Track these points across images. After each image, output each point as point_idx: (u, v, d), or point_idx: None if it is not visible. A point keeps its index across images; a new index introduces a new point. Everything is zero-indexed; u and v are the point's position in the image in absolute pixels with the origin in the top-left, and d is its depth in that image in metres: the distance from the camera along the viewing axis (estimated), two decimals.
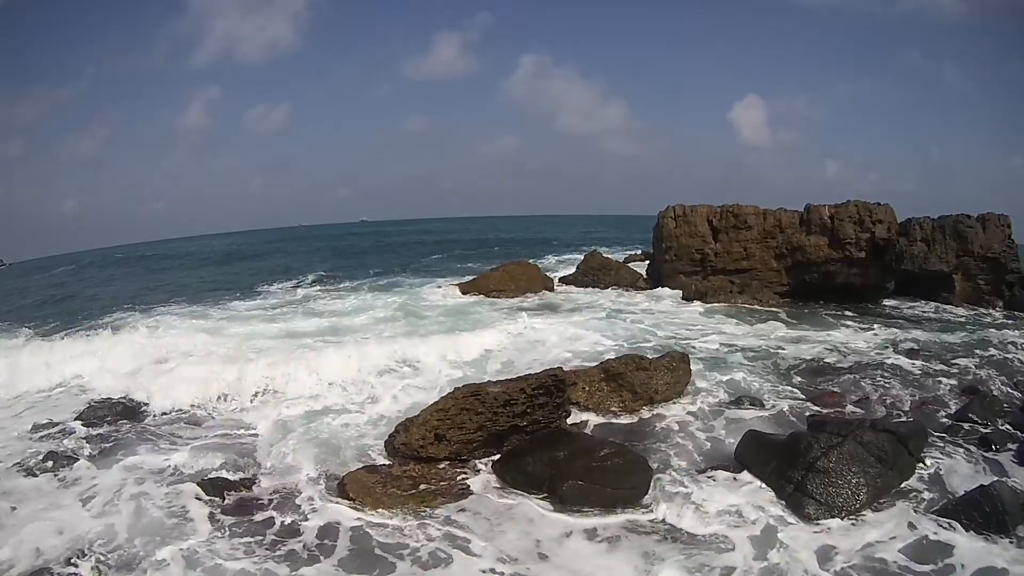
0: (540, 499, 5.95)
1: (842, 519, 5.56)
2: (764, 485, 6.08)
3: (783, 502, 5.80)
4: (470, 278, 18.71)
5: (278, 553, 5.24)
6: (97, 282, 29.46)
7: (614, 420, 7.81)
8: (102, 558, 5.13)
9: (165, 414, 8.68)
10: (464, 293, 17.26)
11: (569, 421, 7.32)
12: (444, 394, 7.23)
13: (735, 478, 6.23)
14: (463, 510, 5.87)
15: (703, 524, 5.51)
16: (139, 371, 10.15)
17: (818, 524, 5.50)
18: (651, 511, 5.75)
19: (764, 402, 8.29)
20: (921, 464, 6.32)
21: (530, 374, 7.31)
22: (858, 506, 5.67)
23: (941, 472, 6.31)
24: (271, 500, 6.13)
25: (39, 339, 13.23)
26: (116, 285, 27.09)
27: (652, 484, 6.07)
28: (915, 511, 5.65)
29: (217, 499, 6.07)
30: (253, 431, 7.90)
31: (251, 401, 8.99)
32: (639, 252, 22.79)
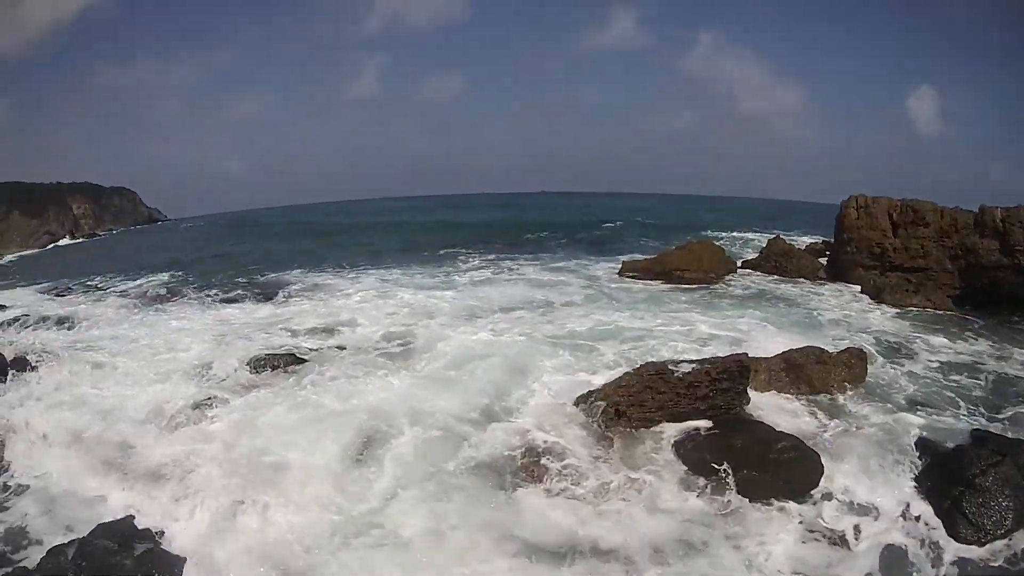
0: (714, 483, 6.28)
1: (989, 542, 5.65)
2: (925, 496, 6.16)
3: (940, 517, 5.89)
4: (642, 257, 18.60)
5: None
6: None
7: (789, 411, 7.84)
8: None
9: None
10: (642, 272, 17.10)
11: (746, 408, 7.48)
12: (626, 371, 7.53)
13: (899, 486, 6.31)
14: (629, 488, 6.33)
15: (857, 529, 5.78)
16: None
17: (967, 545, 5.64)
18: (816, 507, 6.02)
19: (939, 409, 7.99)
20: None
21: (715, 357, 7.55)
22: (1003, 531, 5.70)
23: None
24: None
25: None
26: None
27: (820, 481, 6.24)
28: None
29: None
30: None
31: None
32: (819, 241, 21.67)
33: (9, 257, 56.47)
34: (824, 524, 5.88)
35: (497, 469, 6.64)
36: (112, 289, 17.96)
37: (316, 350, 10.12)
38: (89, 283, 19.31)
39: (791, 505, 6.03)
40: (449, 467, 6.67)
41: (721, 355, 7.78)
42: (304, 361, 9.52)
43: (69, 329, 12.38)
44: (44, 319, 13.42)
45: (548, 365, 9.04)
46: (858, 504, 6.08)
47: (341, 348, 10.21)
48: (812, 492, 6.13)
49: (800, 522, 5.90)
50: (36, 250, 63.50)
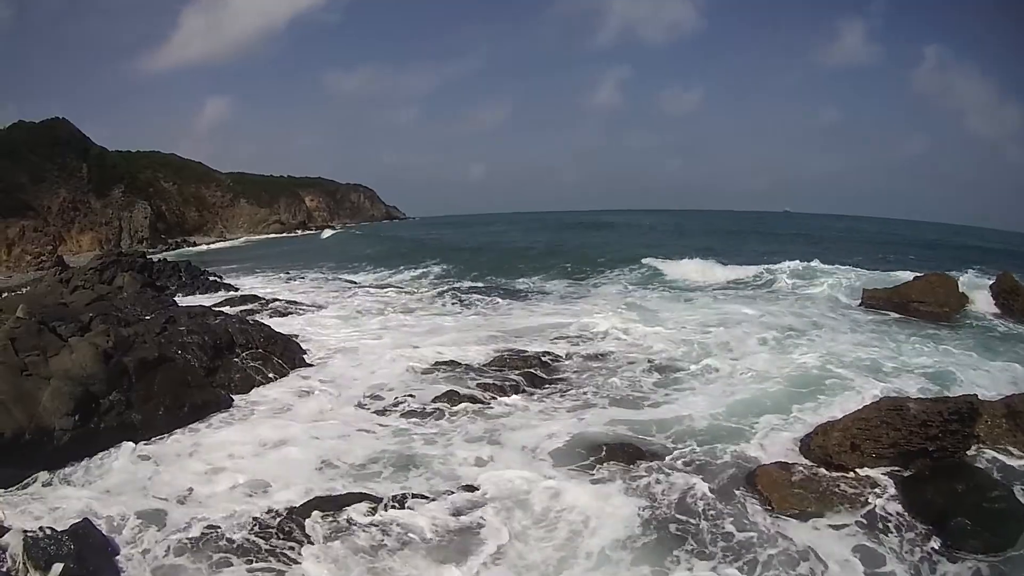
0: (925, 529, 6.48)
1: None
2: None
3: None
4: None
5: None
6: None
7: (1001, 461, 7.71)
8: None
9: None
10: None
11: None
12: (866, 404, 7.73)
13: None
14: (859, 524, 6.59)
15: None
16: None
17: None
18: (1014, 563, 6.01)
19: None
20: None
21: (947, 397, 7.58)
22: None
23: None
24: None
25: None
26: None
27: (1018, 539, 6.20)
28: None
29: None
30: None
31: None
32: None
33: (235, 241, 64.30)
34: None
35: None
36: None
37: None
38: None
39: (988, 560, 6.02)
40: None
41: (951, 396, 7.76)
42: None
43: None
44: None
45: None
46: None
47: None
48: (1009, 551, 6.07)
49: None
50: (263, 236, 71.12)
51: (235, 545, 6.03)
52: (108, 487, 7.20)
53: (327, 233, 70.43)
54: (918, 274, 18.09)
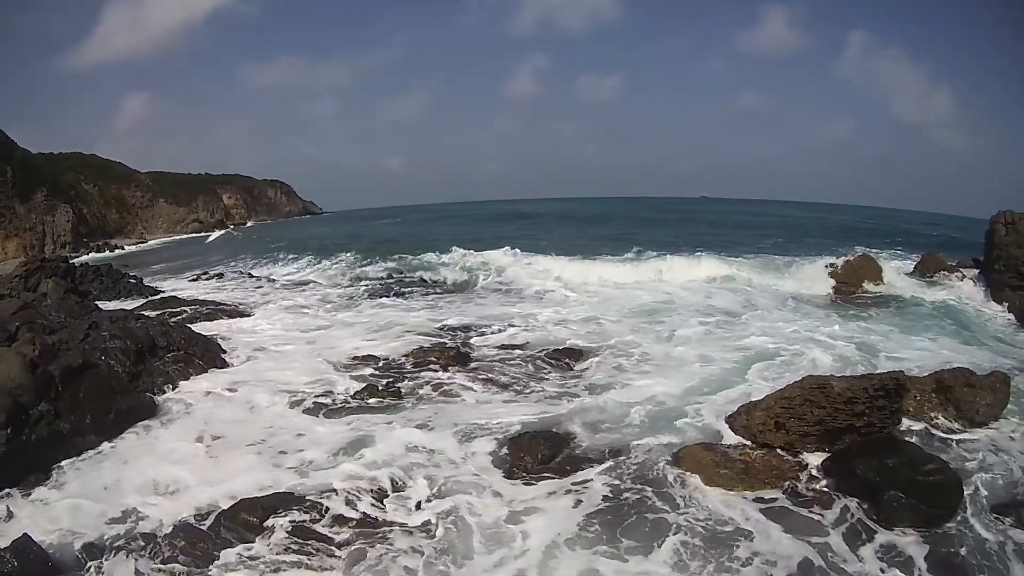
0: (856, 503, 6.35)
1: None
2: None
3: None
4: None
5: None
6: None
7: (935, 434, 7.74)
8: None
9: None
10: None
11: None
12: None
13: None
14: (787, 499, 6.47)
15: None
16: None
17: None
18: (949, 538, 5.93)
19: None
20: None
21: (872, 374, 7.54)
22: None
23: None
24: None
25: None
26: None
27: (957, 510, 6.16)
28: None
29: None
30: None
31: None
32: (970, 259, 20.97)
33: (153, 242, 62.73)
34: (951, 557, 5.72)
35: None
36: None
37: None
38: None
39: (921, 532, 5.92)
40: None
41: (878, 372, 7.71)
42: None
43: None
44: None
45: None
46: (983, 543, 5.84)
47: None
48: (946, 523, 6.00)
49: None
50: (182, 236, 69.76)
51: (172, 551, 5.85)
52: (46, 500, 6.78)
53: (215, 235, 65.52)
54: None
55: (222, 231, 71.34)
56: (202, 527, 6.19)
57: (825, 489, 6.59)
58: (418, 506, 6.53)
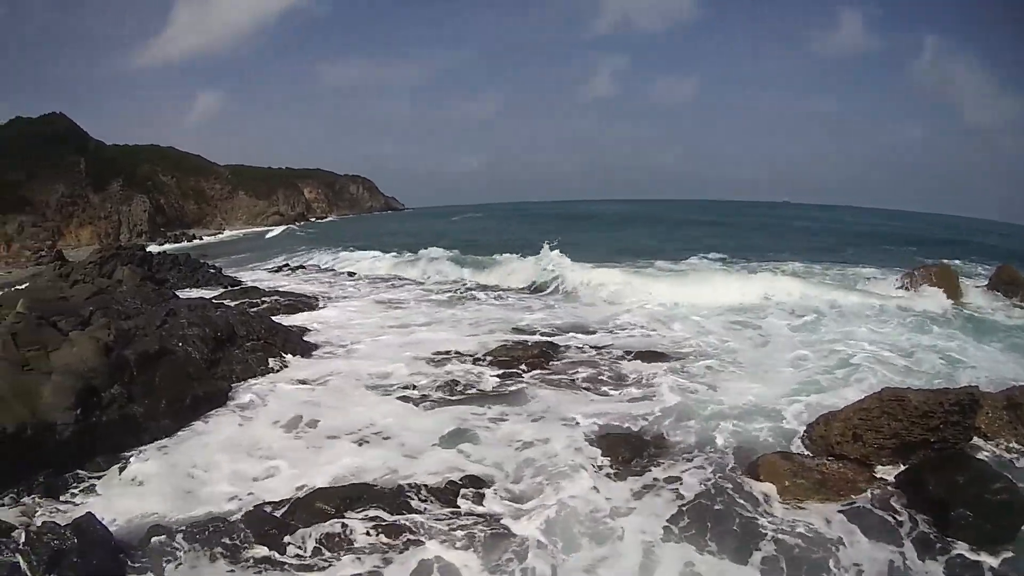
0: (925, 519, 6.47)
1: None
2: None
3: None
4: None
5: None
6: None
7: (1003, 453, 7.79)
8: None
9: None
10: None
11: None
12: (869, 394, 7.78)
13: None
14: (859, 513, 6.59)
15: None
16: None
17: None
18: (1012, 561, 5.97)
19: None
20: None
21: (947, 388, 7.54)
22: None
23: None
24: None
25: None
26: None
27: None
28: None
29: None
30: None
31: None
32: None
33: (232, 233, 63.77)
34: None
35: None
36: None
37: None
38: None
39: (987, 553, 5.99)
40: None
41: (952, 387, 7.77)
42: None
43: None
44: None
45: None
46: None
47: None
48: (1010, 544, 6.05)
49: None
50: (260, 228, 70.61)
51: (243, 538, 5.97)
52: (112, 482, 7.20)
53: (276, 231, 66.97)
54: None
55: (283, 227, 72.75)
56: (276, 515, 6.34)
57: (897, 504, 6.73)
58: (515, 499, 6.89)
